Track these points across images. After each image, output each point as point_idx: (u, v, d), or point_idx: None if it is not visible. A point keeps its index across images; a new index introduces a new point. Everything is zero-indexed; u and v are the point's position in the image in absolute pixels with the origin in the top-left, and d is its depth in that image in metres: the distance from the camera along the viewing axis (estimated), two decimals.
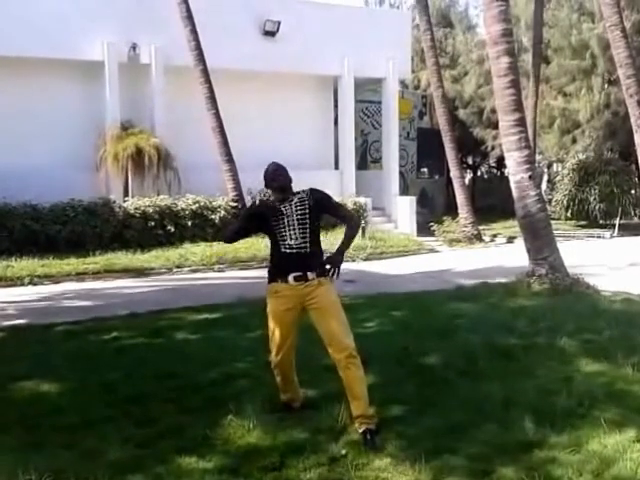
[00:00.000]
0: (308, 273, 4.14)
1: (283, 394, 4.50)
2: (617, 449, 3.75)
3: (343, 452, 3.78)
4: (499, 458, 3.66)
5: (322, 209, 4.27)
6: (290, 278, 4.15)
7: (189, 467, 3.62)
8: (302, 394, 4.56)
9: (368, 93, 19.51)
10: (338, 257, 4.17)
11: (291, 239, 4.15)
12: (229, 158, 14.94)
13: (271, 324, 4.29)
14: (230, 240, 4.56)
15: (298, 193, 4.26)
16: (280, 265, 4.22)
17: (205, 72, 14.58)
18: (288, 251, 4.16)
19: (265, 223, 4.23)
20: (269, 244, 4.33)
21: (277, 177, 4.22)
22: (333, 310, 4.15)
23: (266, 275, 4.32)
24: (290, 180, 4.26)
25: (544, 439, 3.91)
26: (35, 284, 10.84)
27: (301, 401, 4.53)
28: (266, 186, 4.28)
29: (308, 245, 4.16)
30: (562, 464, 3.61)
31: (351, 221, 4.38)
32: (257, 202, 4.49)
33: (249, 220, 4.38)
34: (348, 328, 4.15)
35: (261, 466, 3.65)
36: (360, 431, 3.97)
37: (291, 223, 4.15)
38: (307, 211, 4.18)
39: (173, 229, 14.04)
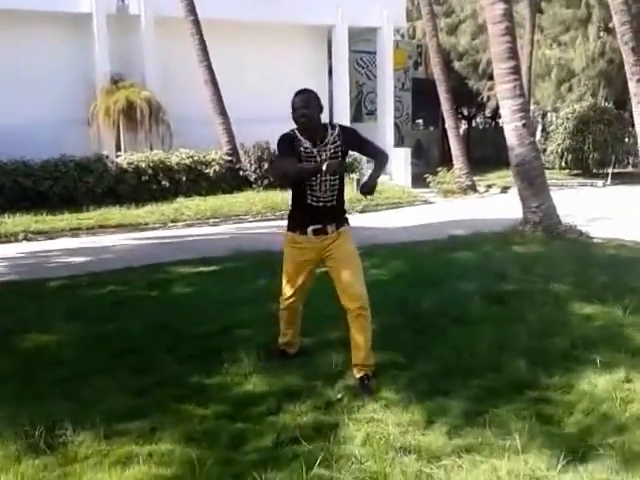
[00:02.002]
0: (328, 227, 4.03)
1: (282, 337, 4.50)
2: (607, 389, 3.83)
3: (339, 396, 3.86)
4: (491, 399, 3.74)
5: (351, 148, 4.05)
6: (309, 231, 4.05)
7: (187, 414, 3.68)
8: (299, 342, 4.60)
9: (362, 43, 19.19)
10: (372, 182, 3.93)
11: (320, 190, 3.96)
12: (222, 111, 14.78)
13: (287, 270, 4.25)
14: (290, 169, 3.94)
15: (330, 132, 3.94)
16: (302, 216, 4.08)
17: (196, 23, 14.30)
18: (314, 204, 3.99)
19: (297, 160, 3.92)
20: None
21: (302, 114, 3.87)
22: (350, 260, 4.08)
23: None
24: (319, 115, 3.92)
25: (536, 381, 3.99)
26: (29, 240, 10.84)
27: (296, 349, 4.57)
28: (293, 119, 3.95)
29: (336, 196, 4.01)
30: (553, 404, 3.70)
31: (382, 155, 4.17)
32: (290, 134, 3.97)
33: (289, 150, 3.93)
34: (362, 279, 4.09)
35: (258, 411, 3.72)
36: (357, 376, 4.02)
37: (324, 177, 3.92)
38: (340, 157, 3.95)
39: (167, 184, 13.96)
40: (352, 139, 4.07)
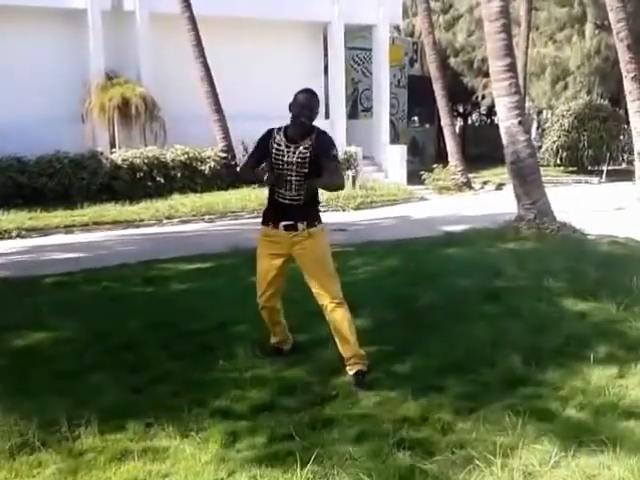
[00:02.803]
0: (299, 224, 4.08)
1: (273, 337, 4.54)
2: (600, 385, 3.85)
3: (333, 393, 3.86)
4: (485, 395, 3.76)
5: (318, 157, 4.02)
6: (281, 226, 4.13)
7: (182, 410, 3.68)
8: (291, 339, 4.61)
9: (358, 40, 19.20)
10: (311, 187, 4.04)
11: (286, 189, 4.06)
12: (218, 108, 14.77)
13: (260, 265, 4.28)
14: (243, 175, 4.44)
15: (310, 133, 4.01)
16: (274, 212, 4.17)
17: (192, 19, 14.28)
18: (281, 200, 4.10)
19: (268, 158, 4.10)
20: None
21: (304, 114, 3.96)
22: (320, 261, 4.14)
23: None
24: (313, 118, 4.01)
25: (530, 377, 4.01)
26: (23, 237, 10.81)
27: (290, 345, 4.58)
28: (292, 115, 4.05)
29: (302, 195, 4.06)
30: (546, 400, 3.72)
31: (332, 179, 4.10)
32: (273, 130, 4.16)
33: (260, 147, 4.16)
34: (335, 278, 4.15)
35: (253, 407, 3.72)
36: (351, 373, 4.03)
37: (289, 172, 4.02)
38: (308, 160, 4.00)
39: (162, 180, 13.96)
40: (321, 151, 4.04)
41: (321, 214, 4.26)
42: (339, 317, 4.09)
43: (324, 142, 4.07)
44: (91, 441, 3.36)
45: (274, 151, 4.06)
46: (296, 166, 4.01)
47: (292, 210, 4.09)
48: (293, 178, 4.03)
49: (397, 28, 22.08)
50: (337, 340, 4.14)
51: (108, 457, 3.22)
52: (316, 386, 3.96)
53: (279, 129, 4.14)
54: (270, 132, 4.16)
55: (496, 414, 3.52)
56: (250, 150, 4.35)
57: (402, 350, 4.48)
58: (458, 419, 3.50)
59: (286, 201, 4.09)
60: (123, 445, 3.33)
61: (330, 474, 3.00)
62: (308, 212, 4.13)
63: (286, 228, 4.11)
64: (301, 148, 4.01)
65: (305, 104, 3.98)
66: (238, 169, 4.49)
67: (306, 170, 4.02)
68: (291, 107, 4.04)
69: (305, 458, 3.09)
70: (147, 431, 3.46)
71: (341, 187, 4.35)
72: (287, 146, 4.04)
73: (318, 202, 4.23)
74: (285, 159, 4.03)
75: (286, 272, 4.33)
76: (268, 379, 4.09)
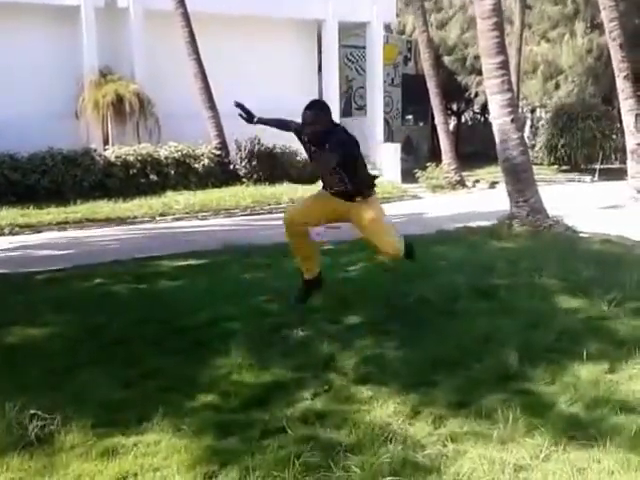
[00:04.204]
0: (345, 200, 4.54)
1: (306, 273, 4.91)
2: (591, 380, 3.88)
3: (326, 387, 3.88)
4: (477, 390, 3.77)
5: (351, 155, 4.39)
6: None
7: (174, 405, 3.68)
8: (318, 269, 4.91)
9: (352, 38, 19.20)
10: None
11: (322, 180, 4.63)
12: (212, 105, 14.75)
13: (309, 197, 4.79)
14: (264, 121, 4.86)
15: (331, 136, 4.33)
16: (323, 187, 4.71)
17: (185, 16, 14.25)
18: (327, 189, 4.62)
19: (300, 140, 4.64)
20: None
21: (307, 124, 4.34)
22: (371, 226, 4.58)
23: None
24: (323, 126, 4.32)
25: (522, 372, 4.02)
26: (16, 234, 10.78)
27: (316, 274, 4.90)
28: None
29: (336, 185, 4.47)
30: (538, 394, 3.74)
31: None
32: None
33: (295, 131, 4.63)
34: (387, 235, 4.62)
35: (245, 402, 3.73)
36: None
37: (321, 166, 4.48)
38: (332, 160, 4.34)
39: (156, 178, 13.94)
40: (343, 152, 4.37)
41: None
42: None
43: (342, 148, 4.36)
44: (83, 435, 3.35)
45: (306, 145, 4.53)
46: (323, 163, 4.44)
47: (334, 193, 4.54)
48: (324, 170, 4.50)
49: (389, 27, 22.08)
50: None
51: (100, 451, 3.22)
52: (309, 381, 3.97)
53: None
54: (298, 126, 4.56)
55: (488, 408, 3.53)
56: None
57: (394, 345, 4.50)
58: (450, 413, 3.52)
59: (332, 190, 4.57)
60: (115, 439, 3.33)
61: (323, 467, 3.01)
62: (349, 194, 4.51)
63: (334, 195, 4.55)
64: (325, 146, 4.38)
65: (306, 121, 4.35)
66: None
67: (333, 167, 4.37)
68: (301, 123, 4.47)
69: (297, 452, 3.11)
70: (139, 425, 3.46)
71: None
72: (313, 148, 4.48)
73: (361, 180, 4.55)
74: (315, 156, 4.50)
75: (326, 217, 4.62)
76: (261, 375, 4.09)
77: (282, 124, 4.81)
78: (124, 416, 3.56)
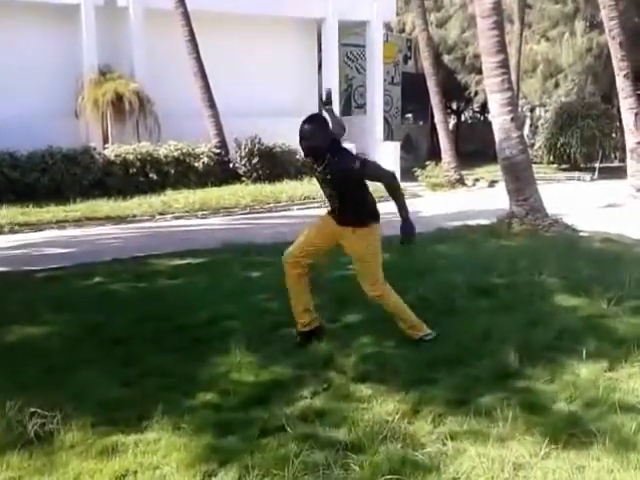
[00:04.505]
0: (345, 225, 4.43)
1: (300, 320, 4.59)
2: (590, 378, 3.89)
3: (325, 386, 3.88)
4: (476, 389, 3.78)
5: (349, 179, 4.31)
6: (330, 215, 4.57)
7: (173, 403, 3.69)
8: (318, 318, 4.69)
9: (352, 37, 19.21)
10: (407, 225, 4.47)
11: (325, 197, 4.55)
12: (211, 104, 14.74)
13: (310, 231, 4.57)
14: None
15: (333, 155, 4.26)
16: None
17: (185, 15, 14.25)
18: (330, 208, 4.54)
19: None
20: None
21: (302, 139, 4.29)
22: (357, 257, 4.47)
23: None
24: (319, 143, 4.25)
25: (521, 371, 4.03)
26: (15, 232, 10.77)
27: (319, 322, 4.67)
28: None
29: (338, 206, 4.40)
30: (537, 393, 3.74)
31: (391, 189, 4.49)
32: None
33: None
34: (369, 274, 4.44)
35: (245, 401, 3.73)
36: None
37: (324, 185, 4.41)
38: (329, 178, 4.31)
39: (155, 176, 13.93)
40: (343, 171, 4.29)
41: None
42: (385, 307, 4.56)
43: (343, 168, 4.28)
44: (82, 434, 3.35)
45: (310, 163, 4.52)
46: (324, 181, 4.38)
47: (335, 213, 4.48)
48: (326, 189, 4.44)
49: (388, 25, 22.08)
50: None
51: (99, 450, 3.23)
52: (308, 380, 3.97)
53: None
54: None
55: (487, 407, 3.54)
56: None
57: (394, 344, 4.50)
58: (449, 411, 3.52)
59: (333, 210, 4.49)
60: (114, 438, 3.33)
61: (322, 465, 3.01)
62: (349, 218, 4.41)
63: (333, 219, 4.50)
64: (325, 163, 4.31)
65: (303, 136, 4.29)
66: None
67: (333, 186, 4.35)
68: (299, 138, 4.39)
69: (297, 450, 3.11)
70: (138, 424, 3.46)
71: (392, 181, 4.54)
72: (314, 164, 4.40)
73: (364, 203, 4.45)
74: (317, 174, 4.43)
75: (326, 252, 4.68)
76: (261, 373, 4.09)
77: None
78: (123, 414, 3.56)
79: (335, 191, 4.36)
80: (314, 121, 4.33)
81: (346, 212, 4.39)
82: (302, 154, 4.56)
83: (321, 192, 4.70)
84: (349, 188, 4.32)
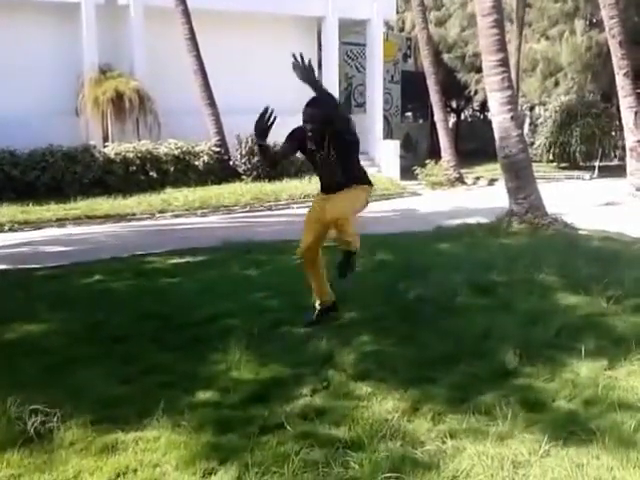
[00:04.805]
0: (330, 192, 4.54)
1: (316, 299, 4.88)
2: (590, 376, 3.89)
3: (325, 384, 3.88)
4: (476, 387, 3.77)
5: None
6: (321, 193, 4.70)
7: (173, 401, 3.69)
8: (332, 294, 4.96)
9: (352, 35, 19.19)
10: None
11: (324, 176, 4.58)
12: (211, 102, 14.74)
13: (306, 220, 4.70)
14: (271, 162, 4.91)
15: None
16: (320, 183, 4.70)
17: (186, 13, 14.24)
18: (322, 179, 4.63)
19: (302, 151, 4.55)
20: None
21: (307, 120, 4.31)
22: (341, 196, 4.50)
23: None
24: (319, 128, 4.28)
25: (521, 369, 4.03)
26: (15, 230, 10.78)
27: (333, 297, 4.94)
28: None
29: (339, 175, 4.46)
30: (537, 391, 3.74)
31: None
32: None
33: (291, 140, 4.54)
34: (347, 208, 4.47)
35: (245, 398, 3.73)
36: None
37: (325, 164, 4.43)
38: (334, 154, 4.37)
39: (155, 174, 13.94)
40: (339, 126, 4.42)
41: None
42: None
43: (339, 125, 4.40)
44: (82, 432, 3.36)
45: (308, 150, 4.47)
46: (331, 158, 4.40)
47: (331, 185, 4.57)
48: (331, 165, 4.45)
49: (388, 24, 22.06)
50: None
51: (99, 447, 3.22)
52: (308, 377, 3.97)
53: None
54: (302, 130, 4.43)
55: (487, 405, 3.54)
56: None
57: (393, 342, 4.51)
58: (449, 409, 3.52)
59: (327, 180, 4.59)
60: (114, 436, 3.33)
61: (322, 463, 3.01)
62: (344, 183, 4.51)
63: (324, 192, 4.61)
64: (324, 152, 4.39)
65: (306, 119, 4.33)
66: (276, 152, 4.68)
67: (341, 157, 4.42)
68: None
69: (296, 448, 3.11)
70: (138, 421, 3.46)
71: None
72: (316, 150, 4.40)
73: (356, 167, 4.58)
74: (320, 155, 4.42)
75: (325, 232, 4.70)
76: (260, 371, 4.09)
77: (288, 150, 4.68)
78: (123, 412, 3.56)
79: (342, 164, 4.43)
80: (315, 103, 4.37)
81: (349, 178, 4.49)
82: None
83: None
84: (350, 150, 4.44)
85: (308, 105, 4.35)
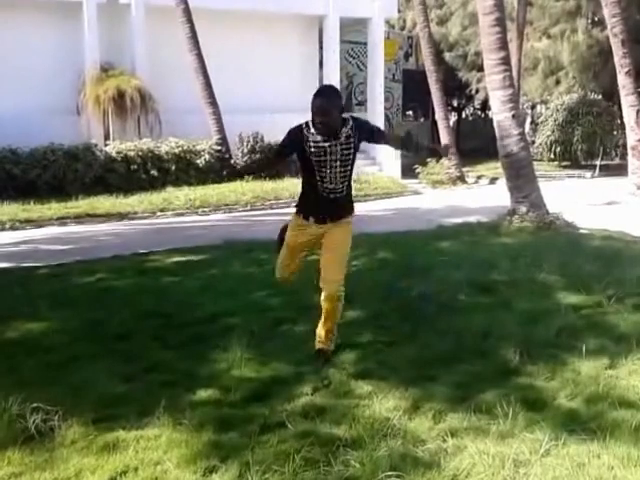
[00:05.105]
0: (327, 219, 4.17)
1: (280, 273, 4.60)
2: (590, 375, 3.89)
3: (325, 382, 3.88)
4: (477, 385, 3.78)
5: (363, 139, 4.15)
6: (311, 219, 4.20)
7: (174, 399, 3.69)
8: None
9: (353, 34, 19.19)
10: (444, 147, 4.32)
11: (331, 183, 4.05)
12: (212, 100, 14.73)
13: (287, 245, 4.39)
14: (268, 165, 4.53)
15: (344, 128, 3.98)
16: (308, 204, 4.20)
17: (187, 11, 14.23)
18: (323, 194, 4.09)
19: (302, 153, 4.02)
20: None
21: (322, 113, 3.89)
22: (337, 246, 4.18)
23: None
24: (339, 116, 3.93)
25: (522, 368, 4.03)
26: (16, 229, 10.79)
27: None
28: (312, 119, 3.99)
29: (345, 188, 4.12)
30: (538, 390, 3.74)
31: (390, 137, 4.56)
32: (302, 127, 4.04)
33: (294, 141, 4.05)
34: (343, 265, 4.20)
35: (245, 397, 3.73)
36: (316, 348, 4.29)
37: (334, 165, 4.01)
38: (352, 151, 4.03)
39: (156, 173, 13.93)
40: (364, 131, 4.14)
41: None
42: (331, 308, 4.19)
43: (363, 125, 4.16)
44: (83, 430, 3.36)
45: (313, 149, 3.99)
46: (341, 156, 4.00)
47: (330, 204, 4.13)
48: (338, 170, 4.04)
49: (389, 23, 22.05)
50: (320, 322, 4.30)
51: (100, 446, 3.23)
52: (309, 376, 3.97)
53: (307, 126, 4.04)
54: (300, 129, 4.05)
55: (487, 403, 3.54)
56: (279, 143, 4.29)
57: (394, 340, 4.51)
58: (449, 408, 3.52)
59: (331, 195, 4.09)
60: (115, 434, 3.33)
61: (322, 462, 3.02)
62: (345, 204, 4.22)
63: (316, 221, 4.19)
64: (342, 140, 4.00)
65: (318, 111, 3.92)
66: (269, 157, 4.30)
67: (351, 159, 4.08)
68: (311, 110, 3.99)
69: (297, 446, 3.11)
70: (139, 420, 3.46)
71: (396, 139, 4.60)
72: (325, 141, 3.98)
73: (351, 191, 4.28)
74: (329, 153, 3.99)
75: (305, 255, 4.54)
76: (261, 369, 4.10)
77: (278, 158, 4.42)
78: (124, 410, 3.57)
79: (350, 168, 4.09)
80: (326, 94, 4.03)
81: (347, 195, 4.17)
82: (315, 137, 3.97)
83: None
84: (354, 160, 4.12)
85: (318, 95, 3.97)
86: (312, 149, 4.00)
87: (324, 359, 4.19)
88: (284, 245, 4.42)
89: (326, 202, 4.12)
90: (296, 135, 4.04)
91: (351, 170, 4.13)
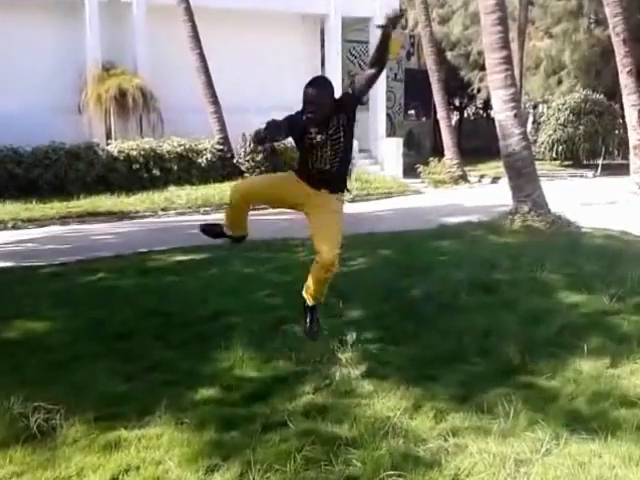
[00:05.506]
0: (322, 189, 4.09)
1: (235, 230, 4.38)
2: (592, 375, 3.88)
3: (327, 382, 3.88)
4: (478, 385, 3.78)
5: (355, 103, 4.11)
6: (306, 184, 4.14)
7: (176, 398, 3.69)
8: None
9: (355, 33, 19.17)
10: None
11: (320, 164, 4.05)
12: (214, 100, 14.73)
13: (271, 177, 4.21)
14: (261, 139, 4.24)
15: (334, 114, 3.97)
16: (303, 174, 4.15)
17: (188, 10, 14.23)
18: (314, 172, 4.08)
19: (294, 136, 4.05)
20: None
21: (309, 104, 3.91)
22: (331, 218, 4.08)
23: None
24: (328, 108, 3.92)
25: (523, 367, 4.03)
26: (18, 228, 10.80)
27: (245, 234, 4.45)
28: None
29: (336, 166, 4.07)
30: (539, 389, 3.74)
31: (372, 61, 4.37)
32: (297, 113, 4.03)
33: (291, 123, 3.99)
34: (338, 239, 4.07)
35: (247, 396, 3.74)
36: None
37: (324, 151, 4.02)
38: (341, 134, 4.00)
39: (158, 172, 13.93)
40: (348, 99, 4.12)
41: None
42: (321, 277, 4.04)
43: (345, 98, 4.13)
44: (85, 429, 3.36)
45: (306, 137, 4.00)
46: (330, 143, 3.99)
47: (321, 178, 4.08)
48: (328, 154, 4.02)
49: None
50: (307, 284, 4.13)
51: (102, 444, 3.23)
52: (310, 376, 3.97)
53: (302, 114, 4.03)
54: (292, 116, 4.05)
55: (489, 403, 3.54)
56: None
57: (396, 339, 4.51)
58: (451, 407, 3.52)
59: (319, 173, 4.07)
60: (117, 433, 3.33)
61: (324, 461, 3.02)
62: (334, 182, 4.12)
63: (311, 187, 4.11)
64: (331, 132, 3.98)
65: (308, 100, 3.94)
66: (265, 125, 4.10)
67: (341, 142, 4.02)
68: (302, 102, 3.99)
69: (298, 445, 3.11)
70: (141, 419, 3.47)
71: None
72: (317, 132, 3.97)
73: (348, 164, 4.21)
74: (318, 140, 3.98)
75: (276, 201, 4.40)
76: (263, 368, 4.10)
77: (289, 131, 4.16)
78: (126, 409, 3.57)
79: (341, 151, 4.04)
80: (316, 84, 4.06)
81: (338, 173, 4.11)
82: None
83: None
84: (352, 132, 4.06)
85: (309, 85, 4.02)
86: (305, 136, 4.01)
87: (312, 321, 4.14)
88: (266, 177, 4.24)
89: (318, 177, 4.11)
90: (296, 118, 4.04)
91: (344, 151, 4.08)
